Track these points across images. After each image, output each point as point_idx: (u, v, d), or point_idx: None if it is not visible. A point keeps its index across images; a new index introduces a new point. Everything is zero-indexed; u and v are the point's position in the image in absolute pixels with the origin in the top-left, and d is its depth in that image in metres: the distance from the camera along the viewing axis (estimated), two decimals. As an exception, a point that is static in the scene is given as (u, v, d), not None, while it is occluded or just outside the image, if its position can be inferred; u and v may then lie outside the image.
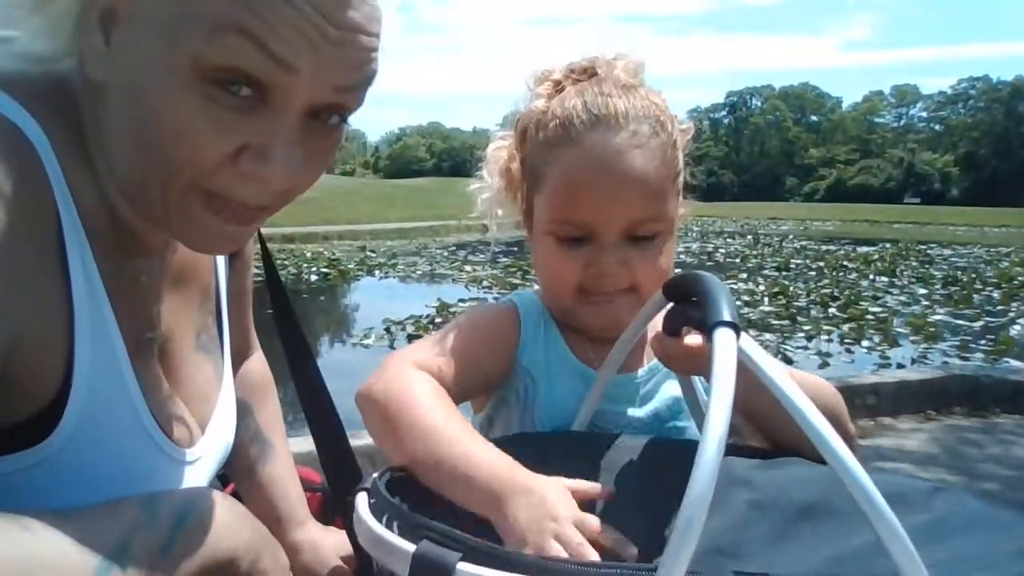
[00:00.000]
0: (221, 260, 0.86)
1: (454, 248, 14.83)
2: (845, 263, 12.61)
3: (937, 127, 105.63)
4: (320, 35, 0.57)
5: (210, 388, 0.80)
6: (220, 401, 0.80)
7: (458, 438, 0.68)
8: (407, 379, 0.75)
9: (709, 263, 12.81)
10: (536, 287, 0.96)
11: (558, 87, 0.89)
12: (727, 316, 0.55)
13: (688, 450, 0.49)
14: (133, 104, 0.59)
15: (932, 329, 6.75)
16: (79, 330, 0.61)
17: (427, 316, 6.77)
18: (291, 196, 0.65)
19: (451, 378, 0.80)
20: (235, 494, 0.95)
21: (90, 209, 0.63)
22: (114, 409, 0.63)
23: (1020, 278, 10.85)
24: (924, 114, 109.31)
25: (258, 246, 0.97)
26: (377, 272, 10.93)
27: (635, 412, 0.88)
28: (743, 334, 0.55)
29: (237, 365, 1.00)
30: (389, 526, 0.56)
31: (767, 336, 6.22)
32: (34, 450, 0.59)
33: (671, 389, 0.90)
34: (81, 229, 0.62)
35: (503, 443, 0.70)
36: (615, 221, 0.82)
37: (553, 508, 0.59)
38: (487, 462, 0.65)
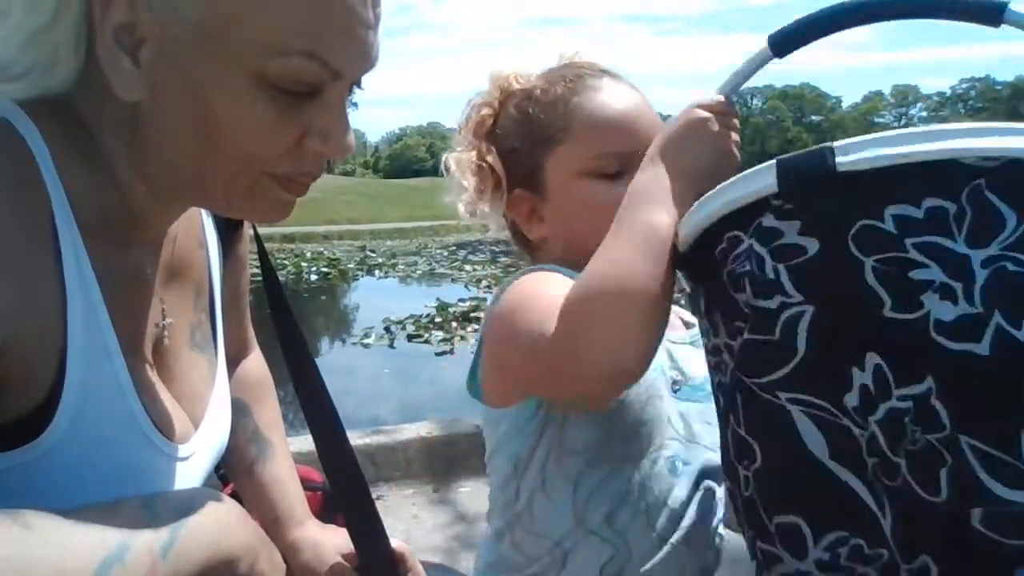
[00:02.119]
0: (215, 257, 0.86)
1: (454, 248, 14.85)
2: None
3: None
4: (364, 27, 0.62)
5: (204, 386, 0.79)
6: (214, 399, 0.80)
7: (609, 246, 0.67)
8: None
9: (709, 263, 12.76)
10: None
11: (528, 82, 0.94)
12: None
13: None
14: (194, 119, 0.61)
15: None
16: (72, 325, 0.60)
17: (427, 316, 6.77)
18: None
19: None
20: (234, 494, 0.95)
21: (84, 200, 0.63)
22: (107, 405, 0.63)
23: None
24: (924, 114, 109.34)
25: (255, 246, 0.97)
26: (377, 272, 10.95)
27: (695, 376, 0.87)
28: None
29: (235, 365, 1.00)
30: None
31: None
32: (27, 448, 0.59)
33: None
34: (75, 223, 0.62)
35: None
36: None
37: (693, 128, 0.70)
38: (634, 204, 0.68)
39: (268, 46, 0.58)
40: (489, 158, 0.92)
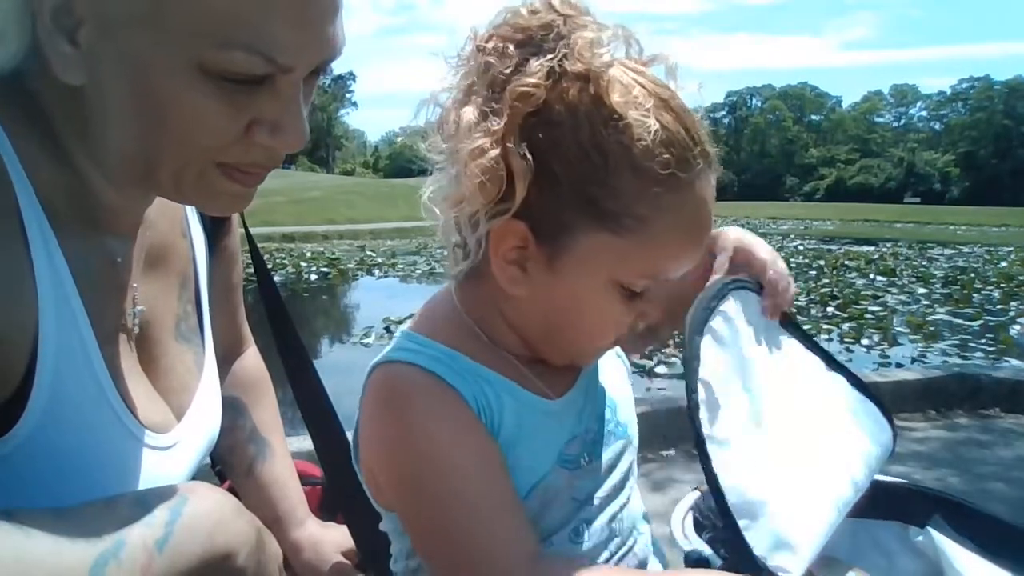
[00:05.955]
0: (200, 248, 0.85)
1: (454, 248, 14.79)
2: (845, 263, 12.59)
3: (937, 127, 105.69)
4: (318, 19, 0.59)
5: (190, 377, 0.79)
6: (200, 390, 0.79)
7: None
8: None
9: (709, 263, 12.76)
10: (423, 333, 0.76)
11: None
12: None
13: None
14: (135, 104, 0.59)
15: (932, 328, 6.75)
16: (43, 317, 0.60)
17: (427, 315, 6.76)
18: None
19: (530, 539, 0.67)
20: (232, 491, 0.95)
21: (51, 192, 0.62)
22: (81, 394, 0.63)
23: (1020, 277, 10.85)
24: (924, 114, 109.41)
25: (248, 246, 0.97)
26: (377, 271, 10.93)
27: (584, 425, 0.78)
28: None
29: (231, 361, 1.00)
30: None
31: (767, 335, 6.21)
32: (1, 441, 0.59)
33: (599, 389, 0.81)
34: (42, 213, 0.61)
35: None
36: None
37: None
38: None
39: (207, 36, 0.56)
40: (516, 164, 0.63)
